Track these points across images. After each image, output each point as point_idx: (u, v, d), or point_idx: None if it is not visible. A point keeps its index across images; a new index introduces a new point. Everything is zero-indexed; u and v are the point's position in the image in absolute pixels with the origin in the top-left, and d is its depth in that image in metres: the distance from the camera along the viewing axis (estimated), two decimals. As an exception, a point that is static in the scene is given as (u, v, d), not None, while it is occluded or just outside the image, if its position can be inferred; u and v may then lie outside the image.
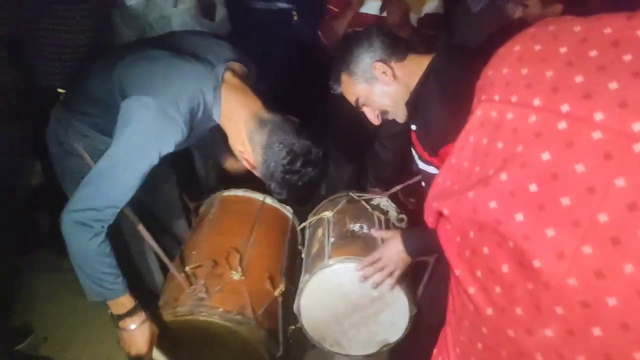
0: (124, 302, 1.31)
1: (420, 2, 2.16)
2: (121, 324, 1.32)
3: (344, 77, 1.40)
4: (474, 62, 1.36)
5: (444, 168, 0.70)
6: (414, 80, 1.33)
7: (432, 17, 2.18)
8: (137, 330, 1.33)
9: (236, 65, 1.40)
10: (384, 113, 1.43)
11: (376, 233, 1.56)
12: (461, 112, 1.19)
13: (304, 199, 1.52)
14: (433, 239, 1.35)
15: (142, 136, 1.21)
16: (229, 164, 1.91)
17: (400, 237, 1.42)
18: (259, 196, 1.91)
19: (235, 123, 1.34)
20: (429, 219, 0.72)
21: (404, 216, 1.70)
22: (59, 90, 1.54)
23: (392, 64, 1.34)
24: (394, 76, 1.34)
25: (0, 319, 2.09)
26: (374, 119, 1.44)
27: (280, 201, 1.94)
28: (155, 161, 1.25)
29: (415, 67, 1.33)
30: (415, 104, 1.34)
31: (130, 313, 1.31)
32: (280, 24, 2.36)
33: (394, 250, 1.41)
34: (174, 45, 1.37)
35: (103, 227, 1.23)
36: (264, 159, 1.30)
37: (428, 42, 2.08)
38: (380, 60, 1.33)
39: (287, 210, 1.95)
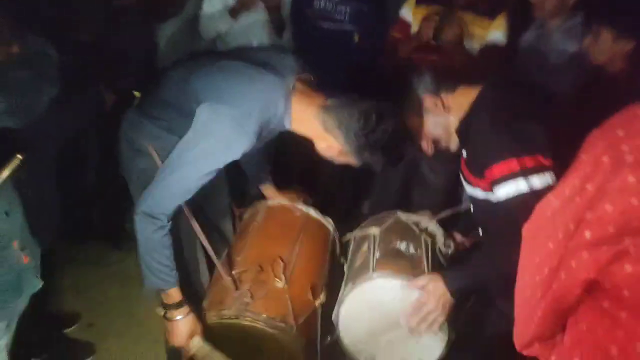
0: (173, 294, 1.42)
1: (484, 30, 2.14)
2: (168, 314, 1.44)
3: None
4: (524, 92, 1.40)
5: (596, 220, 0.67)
6: (464, 110, 1.39)
7: (493, 49, 2.17)
8: (181, 322, 1.44)
9: (304, 76, 1.48)
10: (436, 142, 1.51)
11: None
12: (510, 134, 1.24)
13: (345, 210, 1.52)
14: (476, 275, 1.37)
15: (214, 144, 1.30)
16: (270, 194, 2.00)
17: (442, 279, 1.39)
18: (303, 207, 1.94)
19: (309, 123, 1.40)
20: (589, 274, 0.69)
21: (450, 242, 1.69)
22: (135, 93, 1.65)
23: (442, 95, 1.42)
24: (445, 107, 1.42)
25: (51, 304, 2.21)
26: (427, 149, 1.52)
27: (323, 212, 1.98)
28: (221, 167, 1.34)
29: (464, 99, 1.40)
30: (465, 132, 1.39)
31: (177, 305, 1.43)
32: (342, 45, 2.43)
33: (437, 294, 1.38)
34: (247, 57, 1.45)
35: (167, 219, 1.35)
36: (344, 136, 1.34)
37: (481, 72, 2.08)
38: (429, 94, 1.41)
39: (329, 223, 1.97)
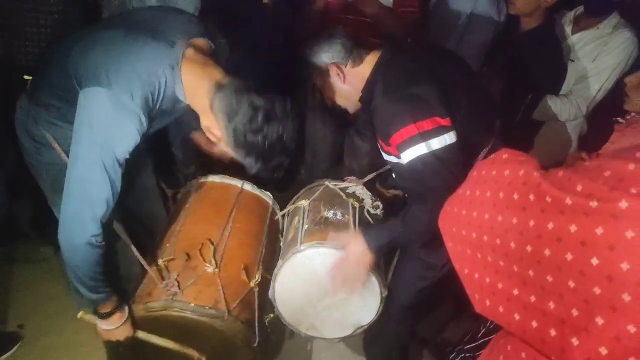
0: (112, 302, 1.37)
1: None
2: (105, 321, 1.38)
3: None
4: (420, 52, 1.44)
5: None
6: (364, 81, 1.43)
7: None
8: (115, 331, 1.40)
9: (200, 41, 1.31)
10: (334, 104, 1.56)
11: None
12: (405, 100, 1.25)
13: (280, 181, 1.43)
14: (392, 233, 1.39)
15: (103, 131, 1.15)
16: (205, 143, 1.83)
17: (362, 237, 1.42)
18: (237, 182, 1.87)
19: (200, 98, 1.23)
20: None
21: (379, 203, 1.71)
22: (25, 77, 1.42)
23: (346, 68, 1.45)
24: (345, 80, 1.45)
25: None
26: (329, 104, 1.58)
27: (261, 187, 1.91)
28: (127, 156, 1.20)
29: (367, 68, 1.42)
30: (368, 102, 1.41)
31: (113, 311, 1.37)
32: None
33: (357, 251, 1.42)
34: (133, 23, 1.27)
35: (96, 239, 1.23)
36: (226, 123, 1.20)
37: (406, 20, 2.02)
38: (335, 64, 1.43)
39: (267, 197, 1.91)
